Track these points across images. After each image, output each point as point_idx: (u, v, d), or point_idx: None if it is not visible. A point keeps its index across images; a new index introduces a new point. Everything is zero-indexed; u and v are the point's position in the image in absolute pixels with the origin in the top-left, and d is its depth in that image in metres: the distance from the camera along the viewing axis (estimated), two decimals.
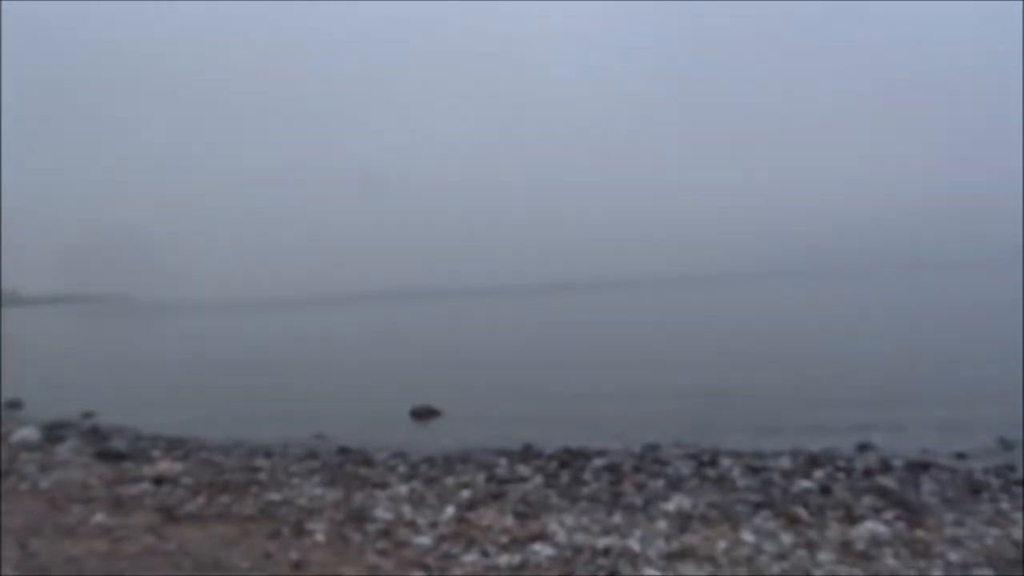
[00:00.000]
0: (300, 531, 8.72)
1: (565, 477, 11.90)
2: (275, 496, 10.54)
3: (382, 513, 9.52)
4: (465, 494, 10.76)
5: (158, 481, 11.57)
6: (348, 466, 13.35)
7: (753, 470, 12.04)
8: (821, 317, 52.28)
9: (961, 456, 12.62)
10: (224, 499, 10.43)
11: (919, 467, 11.83)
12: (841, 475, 11.49)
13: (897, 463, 12.11)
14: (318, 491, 11.00)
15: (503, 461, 13.36)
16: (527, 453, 14.11)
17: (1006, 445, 13.19)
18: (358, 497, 10.52)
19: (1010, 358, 21.54)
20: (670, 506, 9.72)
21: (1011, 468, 11.69)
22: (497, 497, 10.49)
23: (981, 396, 17.94)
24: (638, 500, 10.04)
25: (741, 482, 11.28)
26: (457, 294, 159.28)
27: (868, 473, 11.53)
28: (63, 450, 15.28)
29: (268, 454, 14.93)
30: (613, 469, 12.34)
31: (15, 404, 23.99)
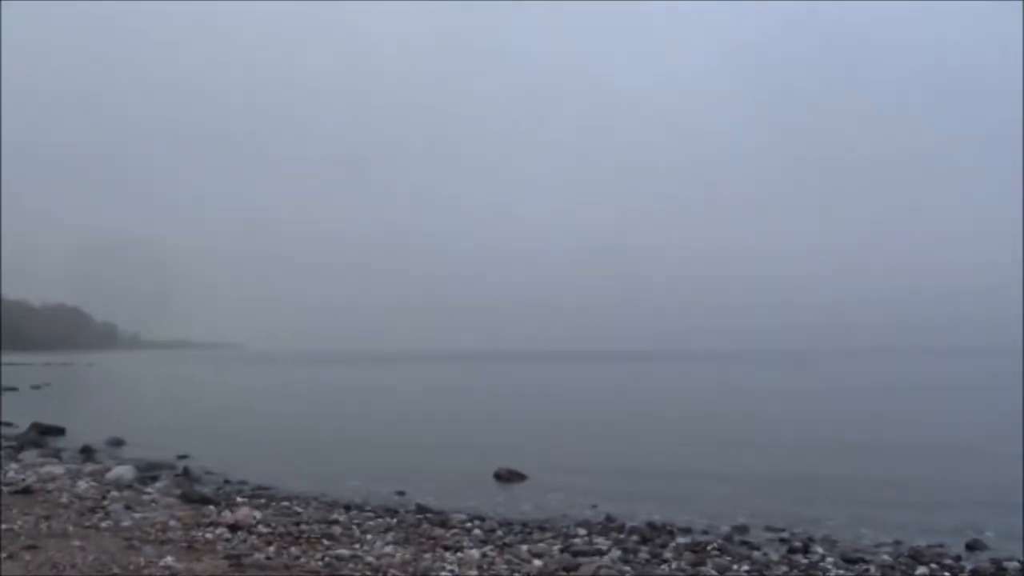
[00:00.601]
0: None
1: (644, 553, 11.35)
2: (345, 551, 10.40)
3: None
4: (537, 563, 10.37)
5: (234, 528, 11.62)
6: (424, 526, 13.14)
7: (849, 562, 11.20)
8: (895, 400, 49.36)
9: None
10: (294, 551, 10.36)
11: None
12: (947, 574, 10.55)
13: (1012, 566, 11.03)
14: (388, 549, 10.82)
15: (582, 532, 12.91)
16: (608, 525, 13.59)
17: None
18: (427, 558, 10.27)
19: None
20: None
21: None
22: (569, 570, 10.06)
23: None
24: None
25: (834, 573, 10.48)
26: (537, 356, 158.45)
27: (978, 574, 10.54)
28: (153, 490, 15.66)
29: (347, 507, 14.90)
30: (696, 548, 11.71)
31: (117, 442, 24.99)
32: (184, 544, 10.47)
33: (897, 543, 12.54)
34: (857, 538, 12.96)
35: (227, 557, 9.67)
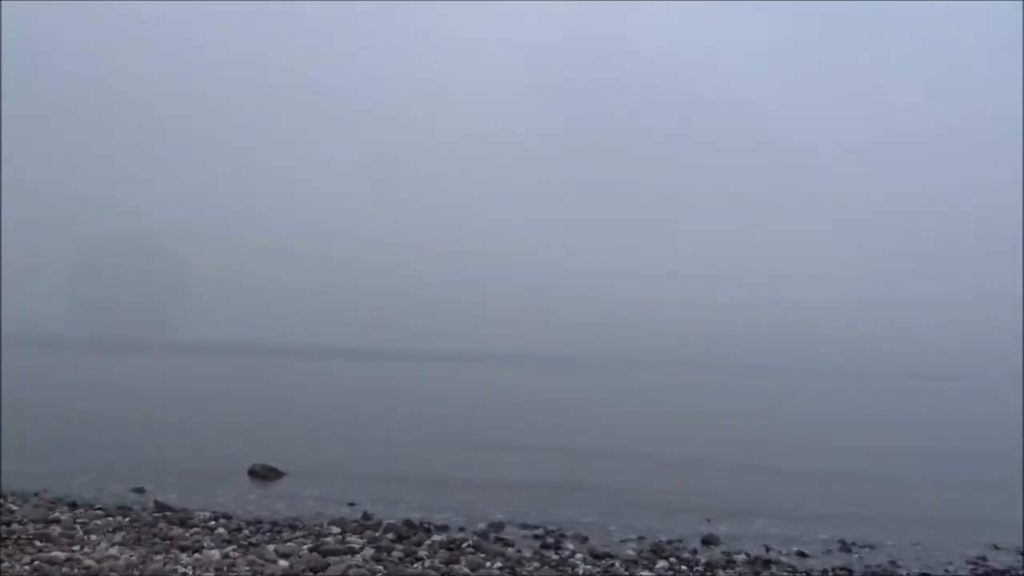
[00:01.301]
0: None
1: (398, 551, 11.03)
2: (60, 553, 9.23)
3: None
4: (282, 564, 9.74)
5: None
6: (161, 525, 12.02)
7: (596, 556, 11.52)
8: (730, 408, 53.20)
9: (802, 555, 12.50)
10: None
11: (761, 563, 11.60)
12: (684, 568, 11.11)
13: (740, 558, 11.86)
14: (113, 550, 9.74)
15: (335, 530, 12.37)
16: (364, 523, 13.13)
17: (845, 547, 13.18)
18: (158, 560, 9.34)
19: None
20: None
21: (849, 571, 11.63)
22: (317, 570, 9.53)
23: (828, 498, 18.21)
24: None
25: (582, 568, 10.72)
26: (338, 353, 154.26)
27: (710, 567, 11.19)
28: None
29: (72, 505, 13.39)
30: (451, 546, 11.57)
31: None
32: None
33: (641, 539, 13.10)
34: (606, 535, 13.41)
35: None
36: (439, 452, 23.29)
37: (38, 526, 11.17)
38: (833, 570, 11.61)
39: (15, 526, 10.97)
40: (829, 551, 12.96)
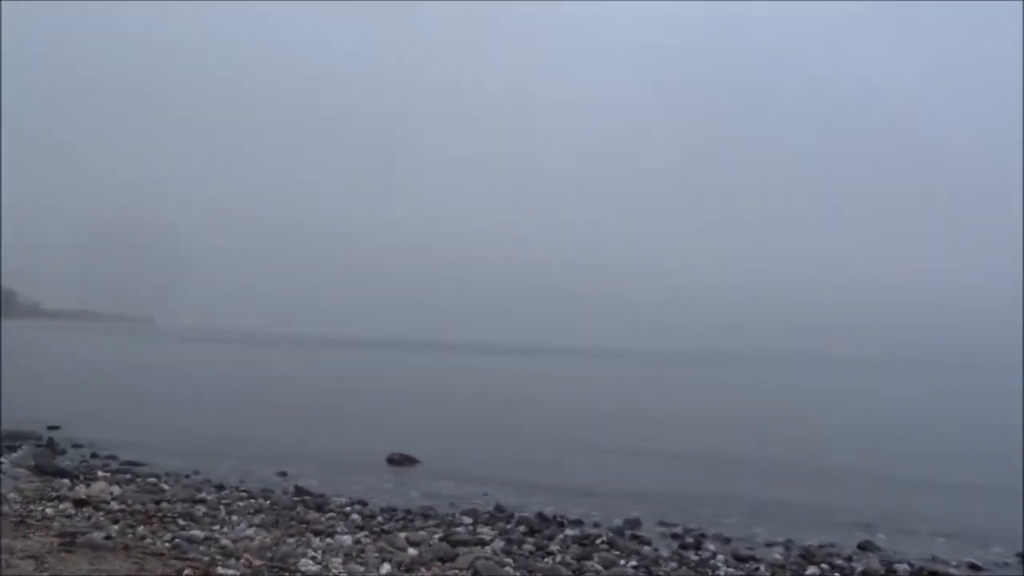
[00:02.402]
0: (206, 573, 7.61)
1: (529, 544, 10.71)
2: (199, 532, 9.44)
3: (307, 563, 8.39)
4: (411, 552, 9.60)
5: (80, 503, 10.53)
6: (298, 509, 12.23)
7: (740, 559, 10.78)
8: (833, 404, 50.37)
9: (975, 567, 11.28)
10: (141, 530, 9.34)
11: (927, 575, 10.51)
12: (837, 575, 10.20)
13: (902, 568, 10.79)
14: (250, 531, 9.89)
15: (467, 520, 12.20)
16: (496, 515, 12.91)
17: None
18: (290, 543, 9.39)
19: None
20: None
21: None
22: (445, 560, 9.32)
23: (999, 499, 16.53)
24: None
25: (723, 571, 10.03)
26: (458, 347, 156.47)
27: (867, 575, 10.23)
28: (6, 460, 14.28)
29: (219, 487, 13.87)
30: (584, 541, 11.13)
31: None
32: (16, 519, 9.34)
33: (789, 542, 12.22)
34: (750, 536, 12.61)
35: (60, 535, 8.59)
36: (569, 451, 22.74)
37: (185, 505, 11.56)
38: None
39: (164, 505, 11.37)
40: (1006, 563, 11.65)
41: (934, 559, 11.55)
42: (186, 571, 7.53)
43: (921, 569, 10.79)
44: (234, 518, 11.02)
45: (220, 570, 7.78)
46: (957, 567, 11.22)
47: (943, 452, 25.21)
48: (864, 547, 12.11)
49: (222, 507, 11.73)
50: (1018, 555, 12.09)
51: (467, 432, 25.04)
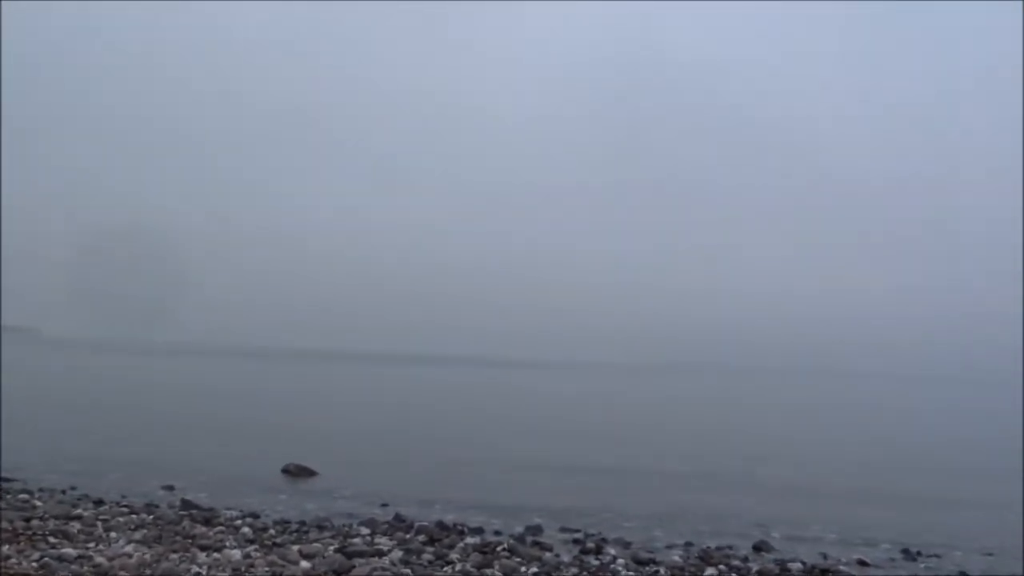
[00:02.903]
0: None
1: (429, 554, 10.42)
2: (71, 550, 8.79)
3: None
4: (304, 565, 9.20)
5: None
6: (185, 523, 11.59)
7: (640, 563, 10.77)
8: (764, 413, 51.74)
9: (863, 563, 11.61)
10: (6, 549, 8.63)
11: (819, 573, 10.75)
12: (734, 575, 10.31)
13: (795, 567, 11.00)
14: (128, 548, 9.28)
15: (364, 531, 11.82)
16: (395, 525, 12.55)
17: (910, 556, 12.24)
18: (173, 559, 8.85)
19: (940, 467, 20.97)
20: None
21: None
22: (341, 573, 8.96)
23: (881, 500, 17.20)
24: None
25: (623, 575, 9.99)
26: (386, 358, 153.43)
27: (763, 575, 10.38)
28: None
29: (99, 502, 13.04)
30: (484, 549, 10.92)
31: None
32: None
33: (688, 544, 12.32)
34: (650, 540, 12.65)
35: None
36: (473, 456, 22.51)
37: (58, 522, 10.80)
38: None
39: (35, 522, 10.61)
40: (892, 559, 12.05)
41: (825, 557, 11.84)
42: None
43: (813, 567, 11.03)
44: (112, 534, 10.36)
45: None
46: (847, 564, 11.52)
47: (842, 460, 26.16)
48: (759, 548, 12.32)
49: (99, 523, 11.01)
50: (902, 551, 12.52)
51: (372, 445, 24.42)
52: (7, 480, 14.65)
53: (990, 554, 12.57)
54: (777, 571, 10.69)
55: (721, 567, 10.68)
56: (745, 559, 11.41)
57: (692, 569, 10.54)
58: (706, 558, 11.26)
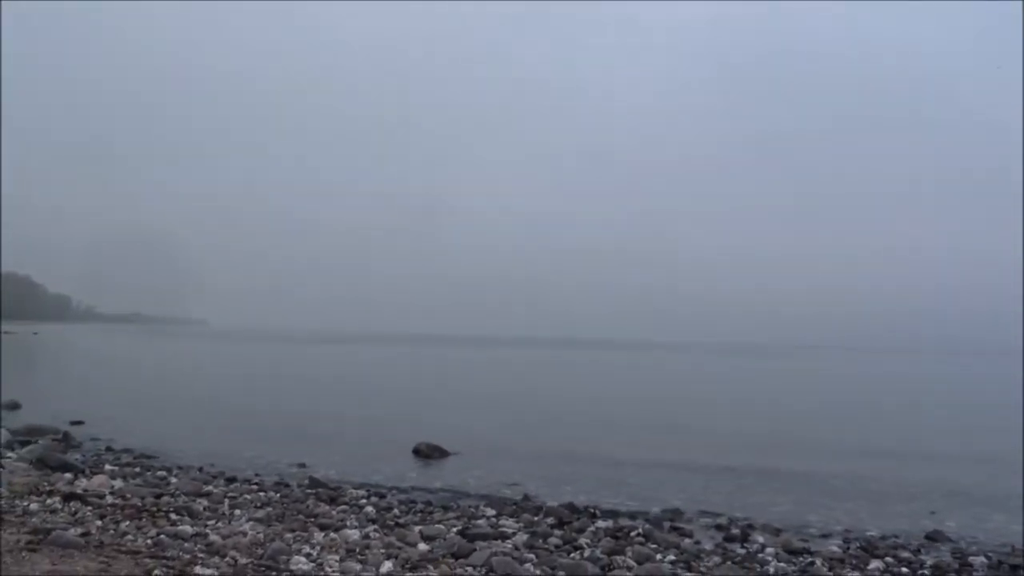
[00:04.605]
0: (181, 573, 6.74)
1: (556, 538, 9.68)
2: (188, 528, 8.59)
3: (300, 561, 7.47)
4: (422, 547, 8.64)
5: (69, 497, 9.75)
6: (310, 501, 11.35)
7: (792, 552, 9.63)
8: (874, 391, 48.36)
9: None
10: (125, 526, 8.52)
11: (1008, 569, 9.24)
12: (904, 570, 8.99)
13: (978, 561, 9.53)
14: (246, 526, 9.02)
15: (489, 512, 11.20)
16: (523, 506, 11.89)
17: None
18: (288, 538, 8.49)
19: None
20: None
21: None
22: (459, 556, 8.34)
23: None
24: None
25: (773, 567, 8.89)
26: (496, 342, 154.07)
27: (940, 571, 9.01)
28: (14, 455, 13.67)
29: (231, 479, 13.08)
30: (617, 534, 10.07)
31: (13, 406, 22.79)
32: None
33: (847, 532, 11.03)
34: (803, 526, 11.43)
35: (33, 531, 7.80)
36: (609, 436, 21.54)
37: (188, 499, 10.77)
38: None
39: (164, 499, 10.59)
40: None
41: (1013, 550, 10.26)
42: (156, 571, 6.66)
43: (1000, 563, 9.51)
44: (237, 512, 10.19)
45: (198, 570, 6.89)
46: None
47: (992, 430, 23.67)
48: (933, 537, 10.88)
49: (226, 501, 10.90)
50: None
51: (500, 424, 24.00)
52: (149, 457, 15.05)
53: None
54: (957, 566, 9.26)
55: (888, 559, 9.37)
56: (917, 551, 10.01)
57: (854, 561, 9.29)
58: (870, 549, 9.96)
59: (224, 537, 8.30)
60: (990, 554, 9.89)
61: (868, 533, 10.96)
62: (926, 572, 8.97)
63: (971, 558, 9.66)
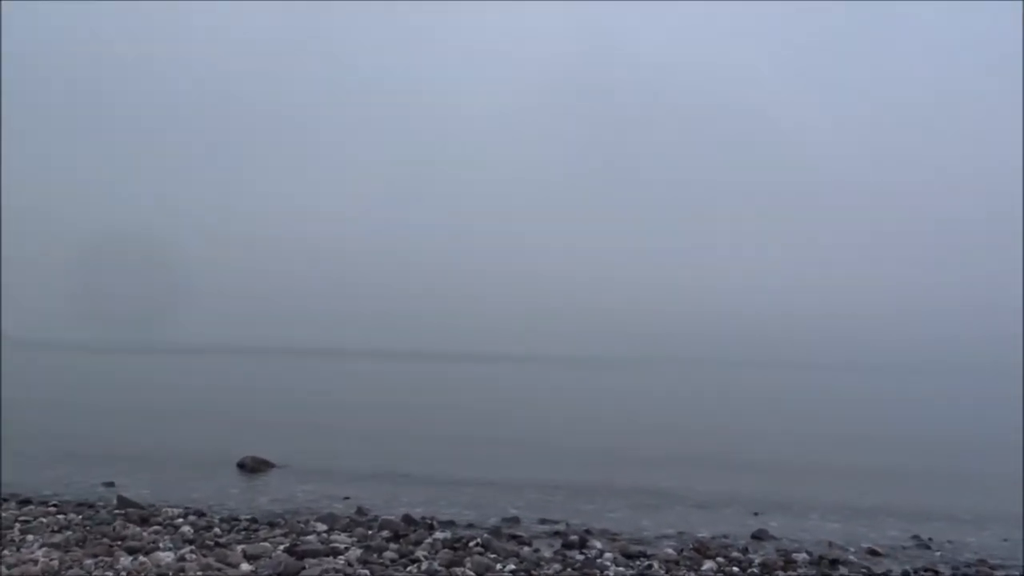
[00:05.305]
0: None
1: (392, 552, 9.20)
2: None
3: None
4: (245, 567, 7.95)
5: None
6: (118, 523, 10.27)
7: (629, 557, 9.63)
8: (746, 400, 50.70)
9: (873, 552, 10.54)
10: None
11: (828, 564, 9.65)
12: (735, 569, 9.18)
13: (800, 557, 9.91)
14: (39, 553, 7.97)
15: (320, 527, 10.56)
16: (357, 520, 11.31)
17: (922, 544, 11.21)
18: (88, 564, 7.56)
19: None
20: None
21: (935, 572, 9.66)
22: (287, 575, 7.70)
23: (888, 480, 16.23)
24: None
25: (612, 571, 8.82)
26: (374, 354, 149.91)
27: (768, 569, 9.26)
28: None
29: (25, 501, 11.69)
30: (455, 545, 9.71)
31: None
32: None
33: (681, 534, 11.22)
34: (638, 530, 11.53)
35: None
36: (447, 449, 21.05)
37: None
38: (916, 571, 9.63)
39: None
40: (904, 547, 11.00)
41: (831, 545, 10.78)
42: None
43: (821, 557, 9.93)
44: (29, 537, 9.03)
45: None
46: (855, 552, 10.47)
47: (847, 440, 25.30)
48: (758, 536, 11.27)
49: (16, 525, 9.67)
50: (913, 537, 11.51)
51: (338, 435, 23.06)
52: None
53: (1005, 540, 11.61)
54: (782, 563, 9.57)
55: (720, 559, 9.55)
56: (745, 550, 10.30)
57: (688, 562, 9.40)
58: (702, 549, 10.13)
59: (10, 567, 7.26)
60: (810, 550, 10.32)
61: (699, 535, 11.19)
62: (755, 570, 9.19)
63: (794, 555, 10.03)
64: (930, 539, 11.41)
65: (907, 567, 9.76)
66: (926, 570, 9.66)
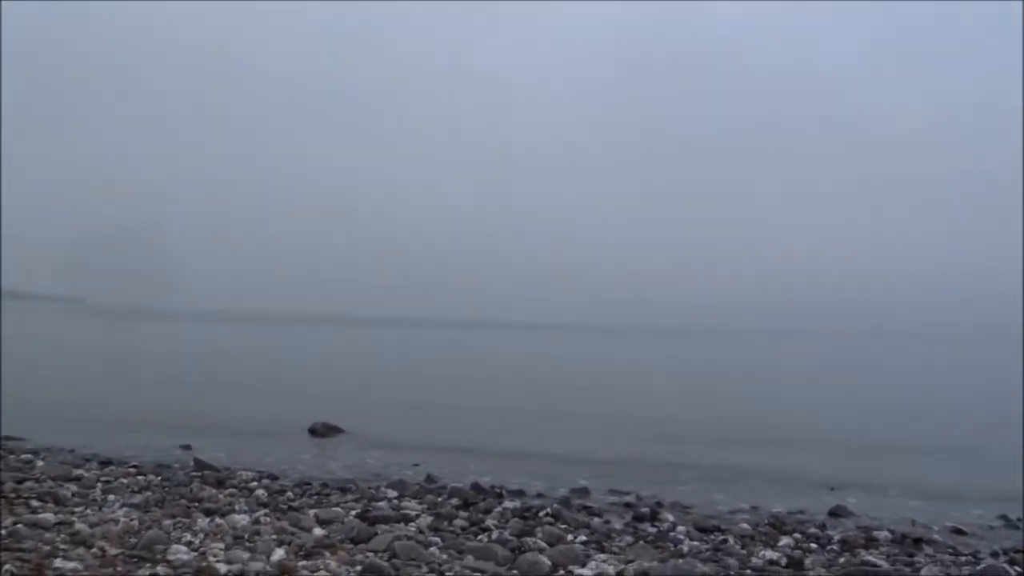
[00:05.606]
0: (38, 567, 5.90)
1: (462, 520, 9.18)
2: (50, 516, 7.67)
3: (179, 550, 6.71)
4: (317, 532, 7.99)
5: None
6: (194, 485, 10.49)
7: (703, 531, 9.42)
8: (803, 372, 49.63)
9: (958, 532, 10.12)
10: None
11: (911, 542, 9.28)
12: (814, 545, 8.90)
13: (882, 535, 9.55)
14: (119, 513, 8.15)
15: (391, 494, 10.61)
16: (426, 487, 11.34)
17: (1011, 524, 10.73)
18: (166, 525, 7.69)
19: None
20: (585, 571, 7.04)
21: None
22: (358, 541, 7.72)
23: (975, 460, 15.62)
24: (544, 559, 7.31)
25: (687, 545, 8.62)
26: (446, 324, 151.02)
27: (848, 546, 8.95)
28: None
29: (106, 462, 12.04)
30: (525, 514, 9.64)
31: None
32: None
33: (755, 509, 10.96)
34: (711, 503, 11.31)
35: None
36: (508, 421, 20.94)
37: (55, 483, 9.76)
38: (1005, 551, 9.19)
39: (28, 483, 9.57)
40: (991, 527, 10.55)
41: (914, 524, 10.39)
42: (6, 565, 5.80)
43: (904, 536, 9.56)
44: (110, 497, 9.28)
45: (58, 563, 6.06)
46: (939, 531, 10.07)
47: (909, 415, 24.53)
48: (836, 513, 10.93)
49: (99, 485, 9.96)
50: (1000, 517, 11.02)
51: (406, 404, 23.25)
52: (11, 439, 13.72)
53: None
54: (863, 540, 9.24)
55: (797, 535, 9.27)
56: (823, 526, 9.99)
57: (764, 538, 9.15)
58: (778, 525, 9.87)
59: (92, 525, 7.43)
60: (892, 528, 9.95)
61: (774, 510, 10.91)
62: (835, 547, 8.89)
63: (875, 532, 9.68)
64: (1019, 519, 10.91)
65: (995, 547, 9.34)
66: (1017, 551, 9.21)
